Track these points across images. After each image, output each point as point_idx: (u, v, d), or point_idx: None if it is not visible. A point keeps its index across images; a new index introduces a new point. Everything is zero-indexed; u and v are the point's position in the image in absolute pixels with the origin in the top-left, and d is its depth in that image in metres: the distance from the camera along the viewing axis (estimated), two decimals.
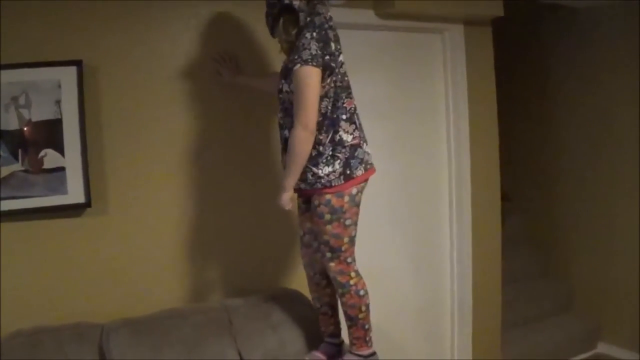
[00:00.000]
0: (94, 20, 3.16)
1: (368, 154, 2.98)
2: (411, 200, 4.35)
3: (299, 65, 2.76)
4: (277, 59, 3.30)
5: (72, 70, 3.08)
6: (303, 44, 2.80)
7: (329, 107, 2.86)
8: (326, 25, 2.89)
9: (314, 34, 2.82)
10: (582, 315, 5.61)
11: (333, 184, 2.85)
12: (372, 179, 3.00)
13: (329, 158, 2.85)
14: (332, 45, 2.87)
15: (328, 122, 2.86)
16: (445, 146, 4.44)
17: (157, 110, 3.33)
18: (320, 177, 2.85)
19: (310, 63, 2.76)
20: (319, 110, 2.81)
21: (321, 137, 2.85)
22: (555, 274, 5.87)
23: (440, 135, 4.44)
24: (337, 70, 2.88)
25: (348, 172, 2.87)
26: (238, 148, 3.55)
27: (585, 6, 5.12)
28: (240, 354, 3.03)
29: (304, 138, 2.77)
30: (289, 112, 2.88)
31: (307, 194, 2.98)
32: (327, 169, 2.85)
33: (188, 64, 3.41)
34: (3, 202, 2.97)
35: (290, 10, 2.89)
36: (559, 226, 5.79)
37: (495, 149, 4.51)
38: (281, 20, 2.91)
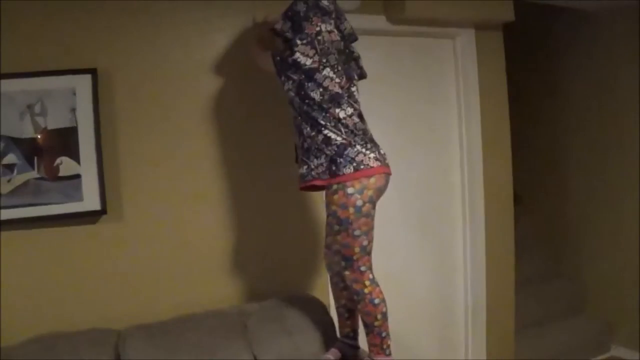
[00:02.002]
0: (108, 28, 3.20)
1: (365, 154, 2.87)
2: (424, 204, 4.35)
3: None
4: None
5: (87, 78, 3.13)
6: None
7: (305, 108, 2.90)
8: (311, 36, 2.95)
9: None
10: (595, 316, 5.59)
11: (322, 177, 2.87)
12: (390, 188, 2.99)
13: (316, 152, 2.88)
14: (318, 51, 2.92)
15: (306, 121, 2.91)
16: (458, 150, 4.44)
17: (172, 116, 3.36)
18: (311, 169, 2.90)
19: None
20: (301, 107, 2.91)
21: (311, 132, 2.89)
22: (568, 276, 5.85)
23: (452, 139, 4.44)
24: (322, 72, 2.91)
25: (334, 168, 2.84)
26: (255, 152, 3.57)
27: (595, 9, 5.10)
28: (255, 358, 3.04)
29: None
30: (291, 108, 2.99)
31: (311, 190, 3.03)
32: (316, 162, 2.88)
33: (201, 69, 3.44)
34: (19, 209, 3.01)
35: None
36: (571, 228, 5.78)
37: (507, 152, 4.51)
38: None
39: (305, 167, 2.92)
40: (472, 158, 4.39)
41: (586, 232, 5.62)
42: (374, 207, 2.90)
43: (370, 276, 2.95)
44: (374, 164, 2.86)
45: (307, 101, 2.88)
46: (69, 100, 3.11)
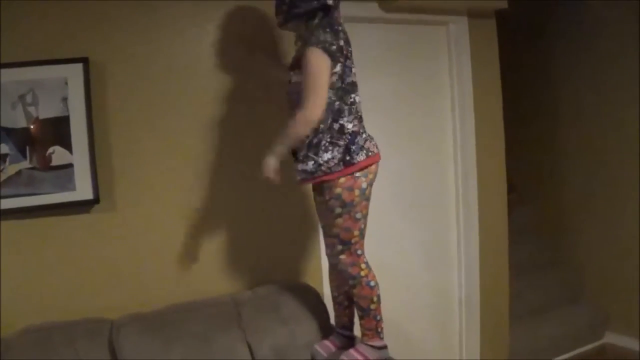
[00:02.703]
0: (100, 18, 3.18)
1: (370, 141, 2.97)
2: (418, 193, 4.35)
3: (309, 47, 2.78)
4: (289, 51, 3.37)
5: (79, 67, 3.11)
6: (313, 32, 2.83)
7: (332, 98, 2.87)
8: (337, 26, 2.90)
9: (326, 27, 2.85)
10: (590, 304, 5.61)
11: (333, 170, 2.87)
12: (379, 171, 3.01)
13: (327, 145, 2.87)
14: (342, 42, 2.88)
15: (329, 111, 2.86)
16: (451, 138, 4.44)
17: (164, 106, 3.35)
18: (320, 165, 2.87)
19: (320, 46, 2.78)
20: None
21: (321, 126, 2.87)
22: (562, 264, 5.87)
23: (445, 128, 4.43)
24: (345, 63, 2.89)
25: (348, 158, 2.87)
26: (250, 142, 3.55)
27: None
28: (250, 347, 3.04)
29: (308, 119, 2.78)
30: (295, 104, 2.89)
31: (314, 184, 3.02)
32: (326, 156, 2.87)
33: (195, 61, 3.42)
34: (12, 199, 3.00)
35: (326, 9, 2.92)
36: (566, 216, 5.80)
37: (500, 140, 4.51)
38: (318, 17, 2.90)
39: (312, 162, 2.89)
40: (465, 145, 4.39)
41: (582, 220, 5.64)
42: (371, 192, 2.97)
43: (365, 260, 3.02)
44: (376, 150, 2.97)
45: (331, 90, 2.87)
46: (61, 90, 3.09)
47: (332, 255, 3.17)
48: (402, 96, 4.24)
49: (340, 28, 2.91)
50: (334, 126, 2.89)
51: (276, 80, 3.27)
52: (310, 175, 2.91)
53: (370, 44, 4.00)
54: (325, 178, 2.89)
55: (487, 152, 4.45)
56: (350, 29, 3.01)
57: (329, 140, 2.87)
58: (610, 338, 5.47)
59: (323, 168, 2.87)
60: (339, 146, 2.88)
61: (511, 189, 4.77)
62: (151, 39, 3.31)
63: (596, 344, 5.48)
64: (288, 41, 3.35)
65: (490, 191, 4.49)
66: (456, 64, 4.33)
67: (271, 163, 2.84)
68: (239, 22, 3.51)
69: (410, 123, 4.29)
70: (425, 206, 4.40)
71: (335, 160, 2.87)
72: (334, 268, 3.23)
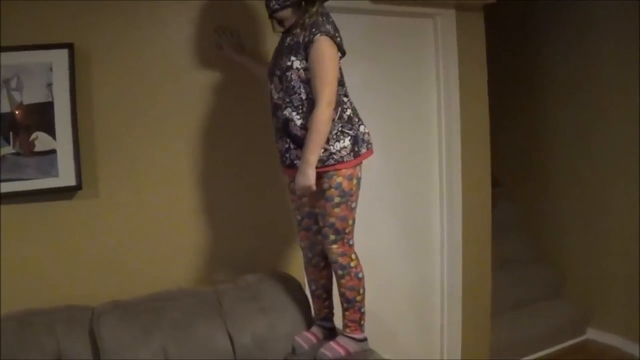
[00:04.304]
0: (87, 3, 3.15)
1: (369, 134, 3.02)
2: (401, 185, 4.37)
3: (319, 34, 2.78)
4: (270, 39, 3.39)
5: (64, 53, 3.08)
6: (318, 21, 2.84)
7: (337, 87, 2.88)
8: (331, 19, 2.93)
9: (326, 18, 2.88)
10: (572, 300, 5.64)
11: (345, 160, 2.88)
12: (368, 162, 3.04)
13: (338, 134, 2.88)
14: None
15: (336, 100, 2.86)
16: (436, 132, 4.45)
17: (149, 93, 3.33)
18: (332, 153, 2.87)
19: (330, 36, 2.79)
20: None
21: (336, 113, 2.88)
22: (545, 260, 5.90)
23: (431, 121, 4.44)
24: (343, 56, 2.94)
25: (356, 148, 2.92)
26: (234, 132, 3.56)
27: None
28: (230, 336, 3.04)
29: (329, 116, 2.78)
30: (294, 90, 2.89)
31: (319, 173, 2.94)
32: (339, 145, 2.88)
33: (180, 49, 3.41)
34: None
35: None
36: (549, 212, 5.82)
37: (486, 134, 4.53)
38: (317, 4, 2.90)
39: (323, 151, 2.85)
40: (450, 140, 4.40)
41: (565, 216, 5.67)
42: None
43: (355, 251, 3.05)
44: (371, 141, 3.02)
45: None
46: (46, 76, 3.07)
47: (309, 248, 3.20)
48: (387, 88, 4.24)
49: (332, 20, 2.93)
50: (344, 116, 2.92)
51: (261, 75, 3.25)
52: (320, 163, 2.86)
53: (356, 34, 3.97)
54: (338, 167, 2.89)
55: (472, 146, 4.47)
56: (336, 19, 3.00)
57: (340, 129, 2.89)
58: (592, 334, 5.51)
59: (335, 157, 2.88)
60: (350, 136, 2.91)
61: (495, 183, 4.78)
62: (137, 26, 3.29)
63: (578, 339, 5.52)
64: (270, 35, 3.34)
65: (474, 185, 4.50)
66: (442, 57, 4.33)
67: (311, 174, 2.77)
68: (224, 10, 3.51)
69: (395, 115, 4.29)
70: (409, 198, 4.42)
71: (347, 150, 2.89)
72: (309, 261, 3.25)
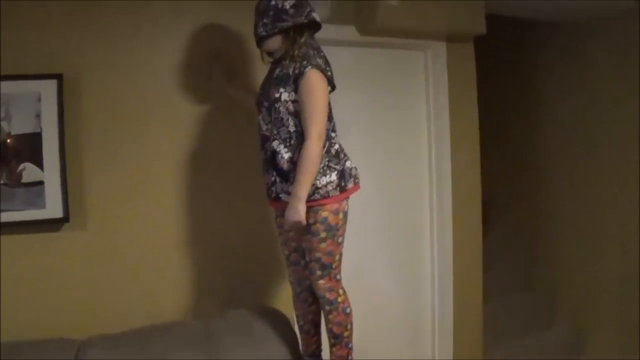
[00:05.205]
0: (76, 34, 3.16)
1: (355, 168, 3.00)
2: (392, 214, 4.35)
3: (310, 67, 2.77)
4: (260, 69, 3.37)
5: (53, 84, 3.09)
6: (309, 54, 2.84)
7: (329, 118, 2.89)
8: (322, 52, 2.94)
9: (316, 51, 2.89)
10: (564, 328, 5.60)
11: (331, 195, 2.85)
12: (356, 194, 3.03)
13: (324, 169, 2.86)
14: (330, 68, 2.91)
15: (326, 135, 2.86)
16: (426, 160, 4.44)
17: (137, 124, 3.32)
18: (318, 188, 2.84)
19: (320, 69, 2.79)
20: None
21: (324, 147, 2.86)
22: (537, 287, 5.86)
23: (421, 150, 4.43)
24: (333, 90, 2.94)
25: (343, 183, 2.90)
26: (221, 163, 3.54)
27: (564, 20, 5.12)
28: None
29: (319, 151, 2.77)
30: (282, 122, 2.87)
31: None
32: (325, 179, 2.85)
33: (169, 78, 3.40)
34: None
35: (313, 26, 2.97)
36: (541, 239, 5.79)
37: (476, 163, 4.51)
38: (305, 35, 2.91)
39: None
40: (440, 169, 4.39)
41: (556, 243, 5.63)
42: None
43: (342, 286, 3.02)
44: (359, 176, 3.00)
45: None
46: (34, 106, 3.07)
47: (297, 282, 3.18)
48: (377, 120, 4.24)
49: (323, 54, 2.93)
50: (331, 150, 2.90)
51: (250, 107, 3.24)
52: (308, 198, 2.83)
53: (347, 67, 3.99)
54: (323, 202, 2.86)
55: (462, 174, 4.44)
56: (327, 52, 3.00)
57: (326, 163, 2.87)
58: None
59: (321, 192, 2.85)
60: (337, 170, 2.89)
61: (487, 208, 4.76)
62: (125, 55, 3.30)
63: None
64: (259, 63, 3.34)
65: (465, 211, 4.48)
66: (433, 88, 4.33)
67: (301, 209, 2.75)
68: (214, 40, 3.51)
69: (386, 147, 4.29)
70: (399, 227, 4.39)
71: (334, 185, 2.87)
72: (297, 296, 3.22)
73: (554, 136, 5.56)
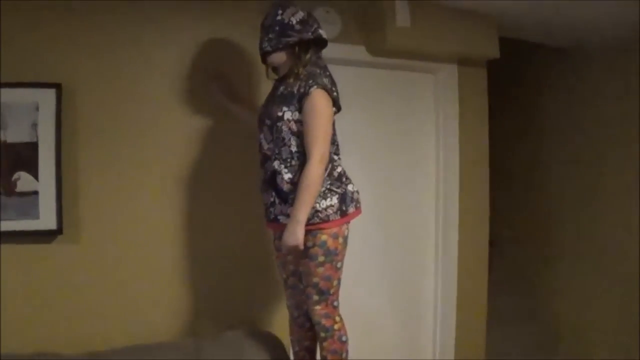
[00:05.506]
0: (75, 43, 3.12)
1: (357, 192, 2.94)
2: (394, 241, 4.26)
3: (315, 87, 2.71)
4: (263, 85, 3.33)
5: (51, 92, 3.04)
6: (315, 73, 2.78)
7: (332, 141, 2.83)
8: (328, 71, 2.88)
9: (322, 70, 2.83)
10: (567, 357, 5.53)
11: (331, 219, 2.79)
12: (358, 219, 2.97)
13: (325, 192, 2.79)
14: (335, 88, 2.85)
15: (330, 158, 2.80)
16: (434, 188, 4.36)
17: (135, 137, 3.27)
18: (318, 211, 2.78)
19: (326, 89, 2.73)
20: None
21: (326, 169, 2.79)
22: (540, 319, 5.79)
23: (428, 178, 4.35)
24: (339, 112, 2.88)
25: (344, 207, 2.83)
26: (219, 180, 3.48)
27: (571, 46, 5.06)
28: None
29: (321, 173, 2.71)
30: (283, 142, 2.81)
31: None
32: (325, 203, 2.78)
33: (170, 91, 3.35)
34: None
35: (320, 43, 2.91)
36: (545, 270, 5.72)
37: (485, 194, 4.44)
38: (311, 52, 2.86)
39: None
40: (448, 195, 4.31)
41: (560, 273, 5.56)
42: None
43: (339, 312, 2.94)
44: (360, 200, 2.94)
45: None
46: (32, 115, 3.02)
47: (294, 307, 3.09)
48: (384, 143, 4.17)
49: (329, 73, 2.87)
50: (334, 173, 2.84)
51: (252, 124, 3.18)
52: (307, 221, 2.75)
53: (355, 87, 3.93)
54: (322, 226, 2.79)
55: (470, 205, 4.37)
56: (335, 71, 2.96)
57: (328, 186, 2.80)
58: None
59: (321, 215, 2.78)
60: (338, 194, 2.82)
61: (490, 243, 4.69)
62: (124, 67, 3.25)
63: None
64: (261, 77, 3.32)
65: (471, 244, 4.39)
66: (443, 112, 4.27)
67: (299, 233, 2.68)
68: (212, 53, 3.45)
69: (391, 170, 4.21)
70: (404, 255, 4.31)
71: (334, 209, 2.80)
72: (294, 320, 3.14)
73: (559, 176, 5.50)
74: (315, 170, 2.67)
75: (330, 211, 2.78)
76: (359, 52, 3.86)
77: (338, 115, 2.90)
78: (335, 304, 2.92)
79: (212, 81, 3.35)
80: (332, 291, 2.88)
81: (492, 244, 4.75)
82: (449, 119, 4.26)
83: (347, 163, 2.98)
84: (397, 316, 4.30)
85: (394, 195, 4.23)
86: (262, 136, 2.94)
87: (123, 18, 3.24)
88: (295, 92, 2.77)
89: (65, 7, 3.09)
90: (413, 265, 4.36)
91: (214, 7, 3.43)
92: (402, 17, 3.71)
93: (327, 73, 2.85)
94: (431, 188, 4.37)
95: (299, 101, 2.75)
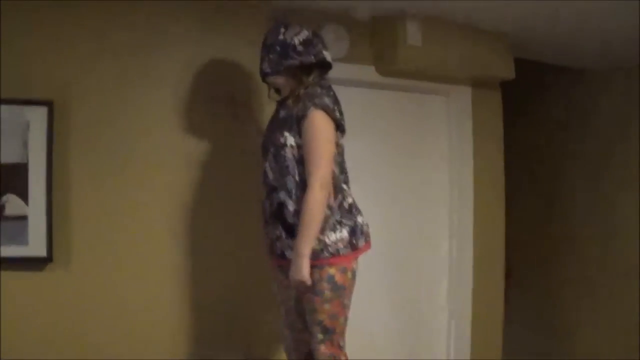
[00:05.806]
0: (70, 59, 3.02)
1: (367, 225, 2.79)
2: (406, 275, 4.14)
3: (313, 108, 2.57)
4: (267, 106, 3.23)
5: (43, 110, 2.91)
6: (316, 92, 2.65)
7: (337, 172, 2.68)
8: (332, 91, 2.74)
9: (325, 90, 2.69)
10: None
11: (340, 253, 2.63)
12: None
13: (335, 224, 2.64)
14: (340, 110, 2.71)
15: (336, 186, 2.66)
16: (447, 217, 4.25)
17: (131, 159, 3.15)
18: (327, 245, 2.62)
19: (326, 110, 2.59)
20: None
21: (330, 202, 2.63)
22: (557, 353, 5.63)
23: (442, 204, 4.25)
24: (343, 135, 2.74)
25: (354, 241, 2.68)
26: (215, 206, 3.36)
27: (589, 68, 5.00)
28: None
29: (322, 199, 2.55)
30: (287, 170, 2.66)
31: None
32: (334, 236, 2.63)
33: (165, 108, 3.24)
34: None
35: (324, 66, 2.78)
36: (564, 306, 5.57)
37: (501, 218, 4.36)
38: (313, 75, 2.72)
39: (316, 241, 2.60)
40: (462, 222, 4.22)
41: (580, 310, 5.41)
42: None
43: (345, 353, 2.77)
44: (370, 234, 2.79)
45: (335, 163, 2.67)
46: (22, 134, 2.89)
47: (294, 350, 2.93)
48: (394, 168, 4.07)
49: (333, 93, 2.73)
50: (344, 204, 2.70)
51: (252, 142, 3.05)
52: (313, 256, 2.58)
53: (365, 108, 3.85)
54: (331, 261, 2.63)
55: (485, 231, 4.28)
56: (344, 92, 2.88)
57: (338, 219, 2.65)
58: None
59: (330, 249, 2.62)
60: (349, 227, 2.68)
61: (507, 274, 4.55)
62: (124, 86, 3.14)
63: None
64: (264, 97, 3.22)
65: (486, 273, 4.29)
66: (456, 135, 4.18)
67: (304, 268, 2.53)
68: (211, 73, 3.35)
69: (402, 196, 4.11)
70: (416, 283, 4.18)
71: (344, 242, 2.65)
72: None
73: (576, 200, 5.42)
74: (314, 198, 2.53)
75: (340, 245, 2.63)
76: (368, 72, 3.79)
77: (344, 139, 2.77)
78: (341, 343, 2.74)
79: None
80: (338, 330, 2.71)
81: (508, 274, 4.62)
82: (463, 143, 4.18)
83: (355, 190, 2.85)
84: (410, 354, 4.15)
85: (405, 223, 4.13)
86: (267, 165, 2.78)
87: (119, 33, 3.14)
88: (294, 114, 2.64)
89: (56, 23, 3.00)
90: (424, 300, 4.23)
91: (214, 23, 3.36)
92: (413, 35, 3.65)
93: (331, 93, 2.71)
94: (444, 216, 4.27)
95: (298, 124, 2.62)
